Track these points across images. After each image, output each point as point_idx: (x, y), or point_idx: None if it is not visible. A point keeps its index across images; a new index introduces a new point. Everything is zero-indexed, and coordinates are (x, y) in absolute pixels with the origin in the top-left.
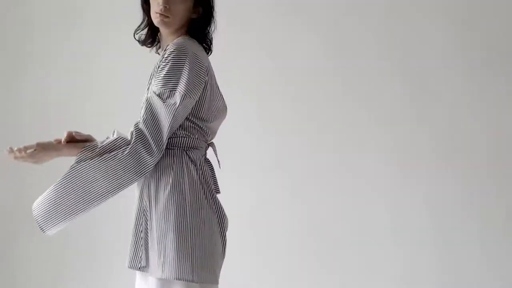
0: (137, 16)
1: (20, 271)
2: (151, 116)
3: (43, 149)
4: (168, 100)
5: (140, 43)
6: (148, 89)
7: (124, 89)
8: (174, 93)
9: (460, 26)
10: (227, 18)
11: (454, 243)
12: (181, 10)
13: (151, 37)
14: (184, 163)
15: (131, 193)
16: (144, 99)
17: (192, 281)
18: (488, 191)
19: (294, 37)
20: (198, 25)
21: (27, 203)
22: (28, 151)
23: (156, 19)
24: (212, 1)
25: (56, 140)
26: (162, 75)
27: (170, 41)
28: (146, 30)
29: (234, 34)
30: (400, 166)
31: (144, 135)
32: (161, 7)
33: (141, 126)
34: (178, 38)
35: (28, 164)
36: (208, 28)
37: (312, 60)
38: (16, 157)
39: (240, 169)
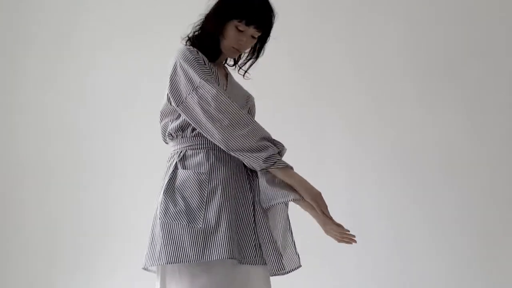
0: (126, 37)
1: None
2: None
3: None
4: None
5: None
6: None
7: (114, 102)
8: None
9: (417, 43)
10: None
11: (405, 234)
12: (248, 48)
13: (211, 49)
14: None
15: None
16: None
17: None
18: (437, 188)
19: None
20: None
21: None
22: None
23: (229, 50)
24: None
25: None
26: None
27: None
28: (205, 38)
29: None
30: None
31: None
32: (241, 45)
33: None
34: None
35: (25, 163)
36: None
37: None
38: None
39: None
